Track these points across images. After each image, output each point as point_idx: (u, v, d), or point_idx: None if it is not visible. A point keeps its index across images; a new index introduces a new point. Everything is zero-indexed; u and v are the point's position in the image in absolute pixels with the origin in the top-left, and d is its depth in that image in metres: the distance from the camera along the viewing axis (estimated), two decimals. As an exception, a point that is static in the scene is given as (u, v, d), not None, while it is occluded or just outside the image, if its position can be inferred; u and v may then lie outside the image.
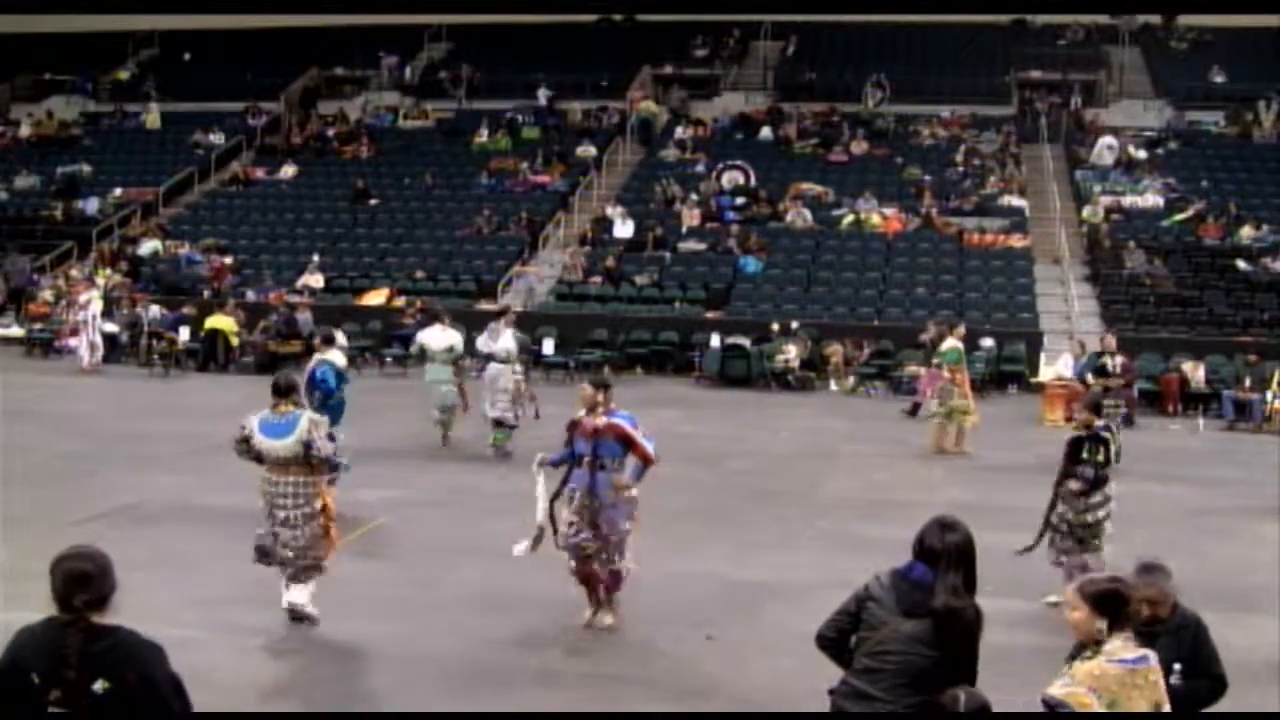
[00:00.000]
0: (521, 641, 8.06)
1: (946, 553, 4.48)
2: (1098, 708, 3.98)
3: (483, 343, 15.17)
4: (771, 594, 9.26)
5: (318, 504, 8.17)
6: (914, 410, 19.28)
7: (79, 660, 3.62)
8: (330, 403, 11.64)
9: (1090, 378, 16.70)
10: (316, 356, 12.19)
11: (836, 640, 4.65)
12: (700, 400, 20.90)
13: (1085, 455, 9.26)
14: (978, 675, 4.37)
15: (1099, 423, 9.51)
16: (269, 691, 7.09)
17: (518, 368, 14.96)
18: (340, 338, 14.33)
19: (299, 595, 8.16)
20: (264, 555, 8.19)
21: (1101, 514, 9.31)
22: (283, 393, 8.31)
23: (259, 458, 8.18)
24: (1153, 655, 4.18)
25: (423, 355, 15.54)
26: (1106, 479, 9.34)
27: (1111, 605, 4.18)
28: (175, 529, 10.68)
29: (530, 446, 14.08)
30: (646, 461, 8.23)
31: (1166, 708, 4.14)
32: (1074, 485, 9.23)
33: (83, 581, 3.71)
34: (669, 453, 15.37)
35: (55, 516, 10.40)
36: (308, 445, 8.00)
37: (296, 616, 8.13)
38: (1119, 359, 16.86)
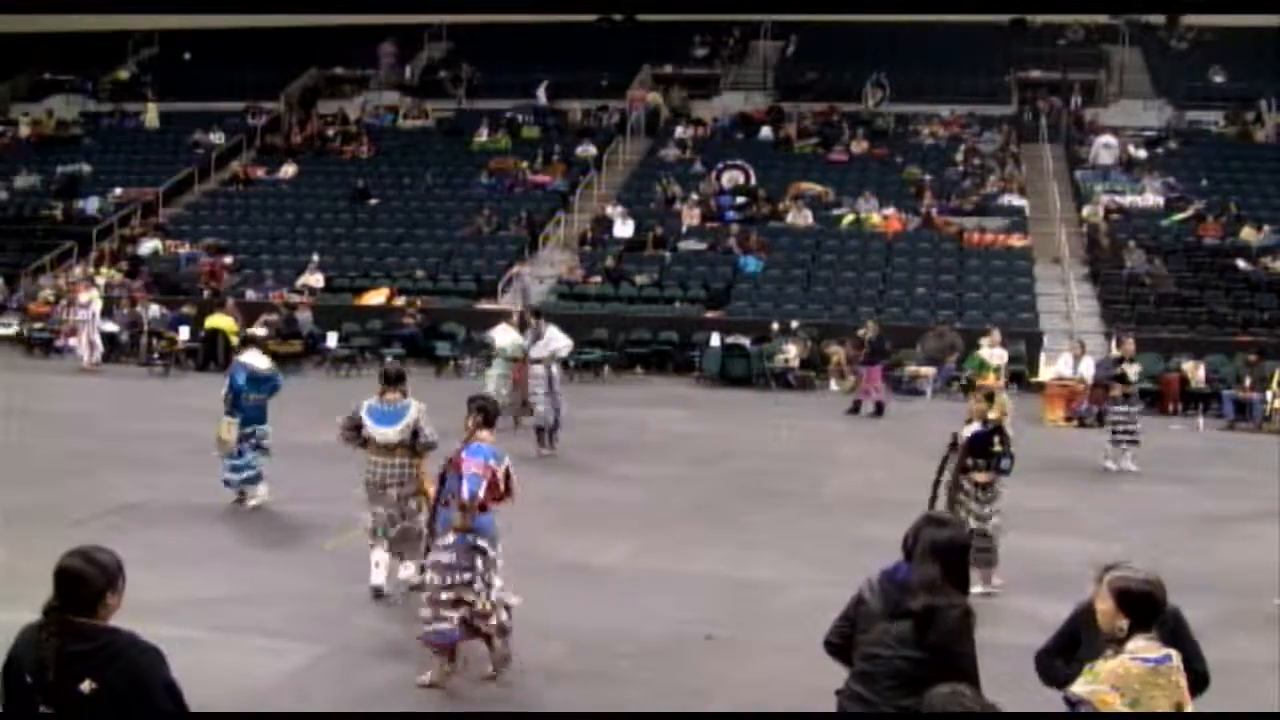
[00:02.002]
0: (520, 641, 8.04)
1: (925, 549, 4.44)
2: (1120, 706, 3.97)
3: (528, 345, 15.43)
4: (771, 594, 9.25)
5: (416, 485, 8.71)
6: (855, 408, 19.35)
7: (58, 660, 3.58)
8: (242, 403, 11.61)
9: (1104, 380, 16.62)
10: (235, 358, 12.33)
11: (841, 645, 4.66)
12: (700, 400, 20.89)
13: (998, 448, 9.36)
14: (975, 674, 4.34)
15: (992, 415, 9.58)
16: (269, 691, 7.08)
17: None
18: (261, 333, 14.39)
19: (406, 570, 8.76)
20: (375, 535, 8.75)
21: (999, 518, 9.40)
22: (392, 381, 8.85)
23: (363, 443, 8.77)
24: (1176, 655, 4.14)
25: (489, 352, 16.77)
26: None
27: (1136, 605, 4.15)
28: (175, 528, 10.67)
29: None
30: (460, 503, 7.04)
31: (1189, 708, 4.11)
32: (981, 477, 9.33)
33: (70, 581, 3.67)
34: (670, 453, 15.52)
35: (55, 516, 10.40)
36: (416, 432, 8.63)
37: (413, 587, 8.61)
38: (1136, 365, 16.70)
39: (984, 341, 21.47)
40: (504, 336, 16.47)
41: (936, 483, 9.38)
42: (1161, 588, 4.21)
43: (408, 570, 8.76)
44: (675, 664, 7.72)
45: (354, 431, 8.79)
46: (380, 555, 8.75)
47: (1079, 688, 4.08)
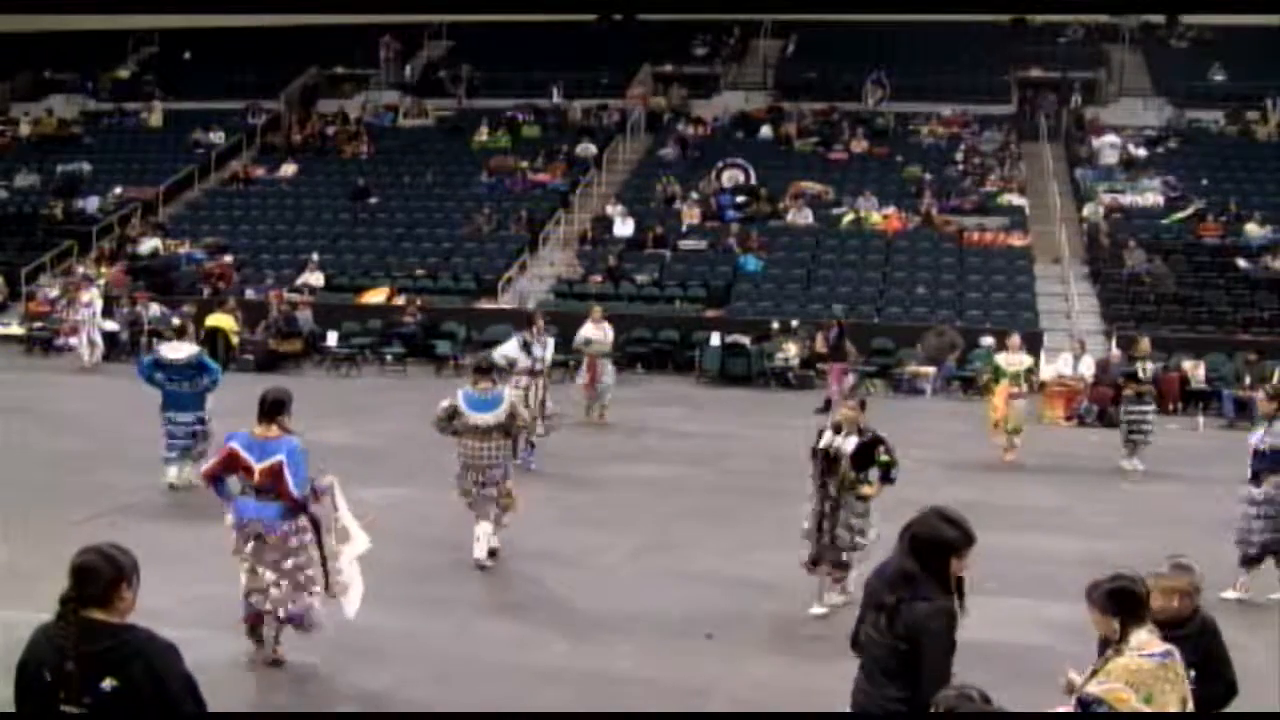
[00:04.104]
0: (522, 641, 8.06)
1: (905, 544, 4.47)
2: (1135, 703, 3.99)
3: (512, 350, 14.80)
4: (771, 594, 9.25)
5: (510, 466, 9.86)
6: (826, 406, 19.21)
7: (78, 657, 3.58)
8: (168, 390, 12.45)
9: (1118, 379, 16.58)
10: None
11: (856, 642, 4.75)
12: (700, 399, 20.89)
13: (885, 458, 8.74)
14: (941, 670, 4.30)
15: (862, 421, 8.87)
16: (269, 691, 7.09)
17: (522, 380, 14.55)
18: (177, 322, 15.01)
19: (494, 540, 9.77)
20: (472, 504, 9.78)
21: (875, 530, 8.73)
22: (484, 372, 9.92)
23: (455, 431, 9.68)
24: (1176, 650, 4.20)
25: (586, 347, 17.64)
26: None
27: (1121, 602, 4.18)
28: (175, 527, 10.67)
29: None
30: None
31: (1190, 703, 4.15)
32: (869, 490, 8.72)
33: (84, 577, 3.67)
34: (670, 452, 15.51)
35: (55, 515, 10.40)
36: (512, 416, 9.70)
37: (492, 553, 9.75)
38: (1149, 364, 16.64)
39: (987, 342, 21.46)
40: (596, 332, 17.54)
41: (822, 498, 8.80)
42: (1135, 580, 4.25)
43: (495, 541, 9.78)
44: (675, 664, 7.72)
45: (448, 420, 9.68)
46: (483, 529, 9.68)
47: (1093, 688, 4.10)
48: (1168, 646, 4.16)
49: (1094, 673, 4.21)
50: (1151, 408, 15.77)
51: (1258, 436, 9.77)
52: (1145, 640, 4.14)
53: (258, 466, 7.25)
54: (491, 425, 9.62)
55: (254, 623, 7.44)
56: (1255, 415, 19.53)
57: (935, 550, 4.43)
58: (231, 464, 7.39)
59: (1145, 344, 16.60)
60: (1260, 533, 9.53)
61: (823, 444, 8.86)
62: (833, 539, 8.77)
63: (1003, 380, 16.00)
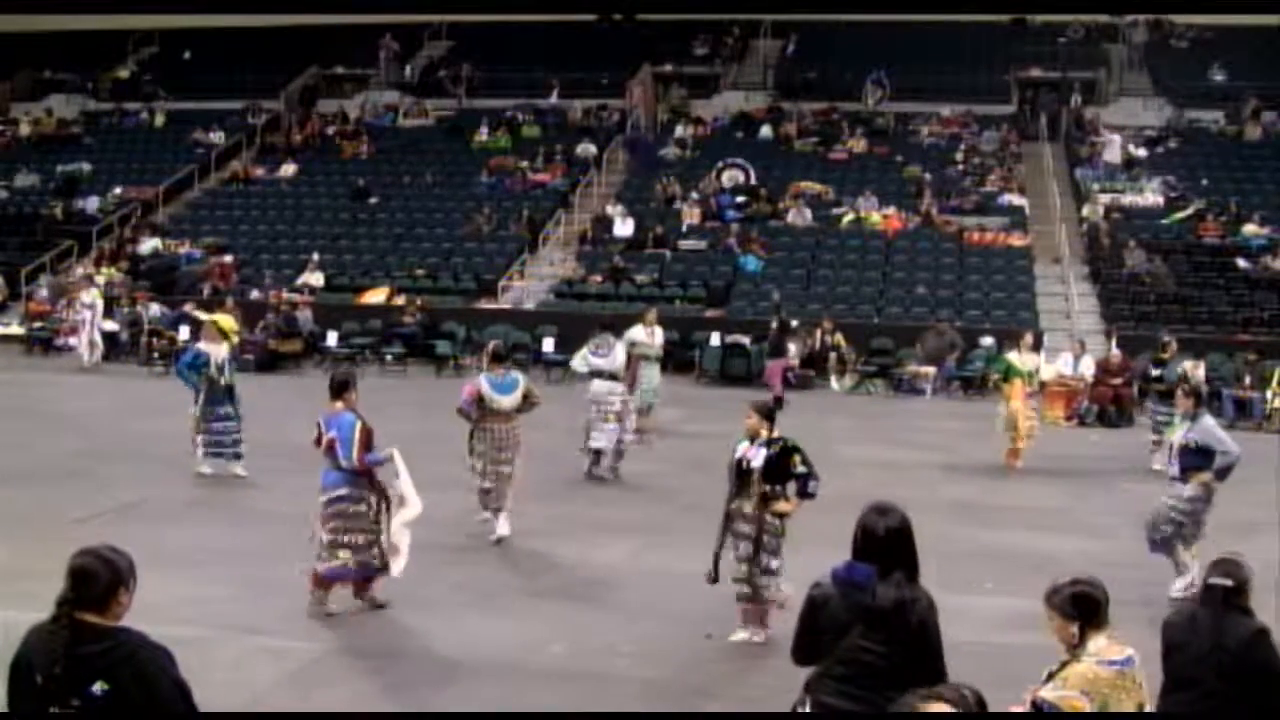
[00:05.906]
0: (521, 641, 8.06)
1: (878, 541, 4.49)
2: (1088, 710, 3.99)
3: (621, 355, 13.93)
4: (771, 593, 9.24)
5: (517, 444, 10.50)
6: (777, 404, 19.06)
7: (67, 659, 3.58)
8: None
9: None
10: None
11: (814, 657, 4.66)
12: (701, 399, 20.89)
13: (801, 468, 7.91)
14: (944, 665, 4.36)
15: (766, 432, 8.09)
16: (269, 691, 7.09)
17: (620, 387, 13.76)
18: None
19: (504, 527, 10.35)
20: (487, 496, 10.48)
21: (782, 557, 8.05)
22: (500, 359, 10.76)
23: (480, 415, 10.38)
24: (1136, 655, 4.19)
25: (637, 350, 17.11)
26: None
27: (1080, 607, 4.19)
28: (175, 528, 10.68)
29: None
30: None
31: (1149, 707, 4.16)
32: (786, 506, 7.92)
33: (82, 580, 3.68)
34: (670, 452, 15.50)
35: (55, 515, 10.41)
36: (527, 395, 10.51)
37: (499, 541, 10.30)
38: (1186, 364, 16.69)
39: (987, 342, 21.46)
40: (648, 336, 16.98)
41: (727, 516, 8.00)
42: (1095, 584, 4.26)
43: (505, 528, 10.36)
44: (675, 664, 7.72)
45: (479, 406, 10.38)
46: (502, 511, 10.39)
47: (1047, 693, 4.09)
48: (1128, 653, 4.15)
49: (1050, 676, 4.20)
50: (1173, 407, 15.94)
51: (1180, 434, 9.77)
52: (1104, 646, 4.12)
53: (326, 437, 8.42)
54: (510, 407, 10.43)
55: (322, 585, 8.38)
56: (1257, 415, 19.63)
57: (908, 539, 4.53)
58: (319, 438, 8.49)
59: (1174, 344, 16.88)
60: (1168, 524, 9.48)
61: (736, 455, 8.05)
62: (759, 568, 7.97)
63: (1016, 378, 15.76)
